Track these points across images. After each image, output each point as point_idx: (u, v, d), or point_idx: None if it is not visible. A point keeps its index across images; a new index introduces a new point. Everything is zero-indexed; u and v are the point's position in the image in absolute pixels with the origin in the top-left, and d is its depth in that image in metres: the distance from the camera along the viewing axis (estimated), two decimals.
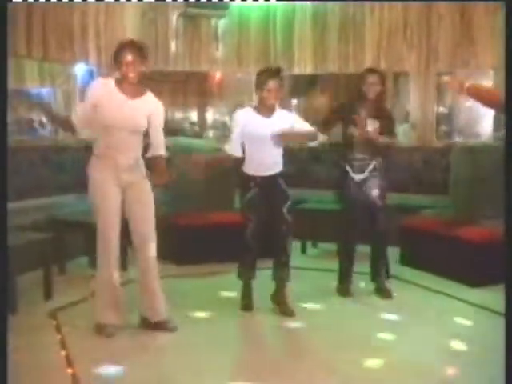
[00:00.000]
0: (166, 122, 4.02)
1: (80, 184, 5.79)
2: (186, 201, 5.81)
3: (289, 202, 4.23)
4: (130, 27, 6.54)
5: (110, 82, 3.71)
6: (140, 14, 6.60)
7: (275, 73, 4.05)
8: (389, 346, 3.74)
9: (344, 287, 4.72)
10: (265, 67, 4.31)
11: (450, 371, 3.38)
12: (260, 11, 7.16)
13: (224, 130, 7.57)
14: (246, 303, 4.37)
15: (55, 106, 6.32)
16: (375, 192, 4.61)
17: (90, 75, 6.26)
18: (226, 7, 6.73)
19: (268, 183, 4.20)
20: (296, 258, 4.88)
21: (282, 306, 4.27)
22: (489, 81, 6.47)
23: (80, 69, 6.23)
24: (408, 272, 5.34)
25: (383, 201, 4.64)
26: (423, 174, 6.55)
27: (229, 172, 5.87)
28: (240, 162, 4.29)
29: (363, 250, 4.80)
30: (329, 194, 5.35)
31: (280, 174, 4.24)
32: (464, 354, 3.62)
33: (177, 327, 3.87)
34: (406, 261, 5.53)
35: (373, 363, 3.44)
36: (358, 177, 4.60)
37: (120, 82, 3.70)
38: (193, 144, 6.13)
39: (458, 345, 3.74)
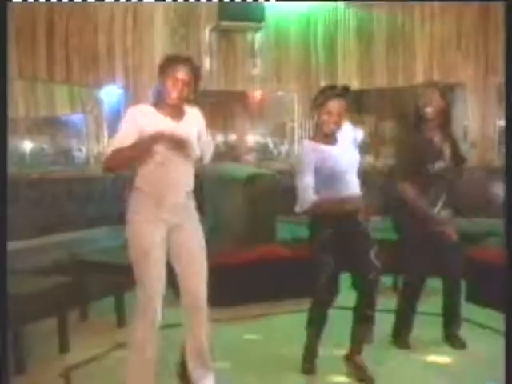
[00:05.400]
0: None
1: (107, 217, 5.54)
2: (223, 231, 5.34)
3: (375, 247, 3.47)
4: (159, 46, 6.25)
5: (147, 107, 3.19)
6: (170, 32, 6.34)
7: (340, 92, 3.27)
8: None
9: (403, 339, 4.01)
10: (327, 84, 3.49)
11: None
12: (299, 23, 6.87)
13: (265, 153, 7.28)
14: (309, 366, 3.63)
15: (87, 132, 6.10)
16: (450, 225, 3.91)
17: (118, 99, 6.00)
18: (261, 19, 6.31)
19: (348, 223, 3.42)
20: None
21: (360, 371, 3.53)
22: None
23: (107, 93, 5.98)
24: (476, 311, 4.68)
25: (457, 234, 3.91)
26: (486, 196, 5.96)
27: (270, 197, 5.40)
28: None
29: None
30: None
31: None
32: None
33: None
34: (473, 298, 4.87)
35: None
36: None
37: (160, 105, 3.18)
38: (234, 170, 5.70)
39: None
